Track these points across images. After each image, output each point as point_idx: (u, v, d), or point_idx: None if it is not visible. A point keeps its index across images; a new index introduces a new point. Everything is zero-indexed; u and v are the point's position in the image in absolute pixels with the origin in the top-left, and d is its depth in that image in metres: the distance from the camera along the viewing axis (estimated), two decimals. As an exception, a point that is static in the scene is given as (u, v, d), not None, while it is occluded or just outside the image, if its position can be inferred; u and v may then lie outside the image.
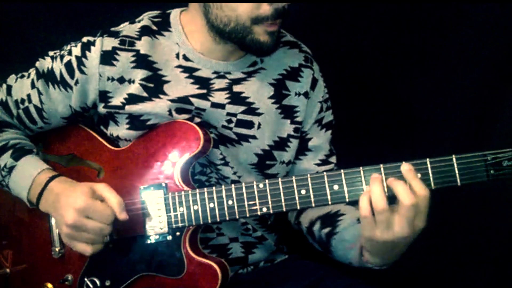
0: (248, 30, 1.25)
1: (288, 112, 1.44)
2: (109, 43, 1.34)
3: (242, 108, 1.39)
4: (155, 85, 1.35)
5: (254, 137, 1.41)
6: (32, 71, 1.42)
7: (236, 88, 1.39)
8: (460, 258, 1.87)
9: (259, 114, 1.41)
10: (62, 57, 1.36)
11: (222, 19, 1.27)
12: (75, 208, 1.23)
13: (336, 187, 1.19)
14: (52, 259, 1.39)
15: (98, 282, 1.33)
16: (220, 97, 1.37)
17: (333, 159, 1.51)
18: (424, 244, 1.88)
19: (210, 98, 1.36)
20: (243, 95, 1.39)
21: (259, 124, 1.41)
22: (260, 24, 1.24)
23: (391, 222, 1.10)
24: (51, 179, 1.32)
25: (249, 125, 1.40)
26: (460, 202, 1.85)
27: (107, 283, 1.33)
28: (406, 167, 1.13)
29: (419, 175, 1.14)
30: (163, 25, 1.39)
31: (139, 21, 1.39)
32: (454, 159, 1.13)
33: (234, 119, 1.39)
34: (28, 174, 1.33)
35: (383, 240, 1.12)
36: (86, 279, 1.34)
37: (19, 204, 1.43)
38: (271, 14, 1.23)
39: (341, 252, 1.32)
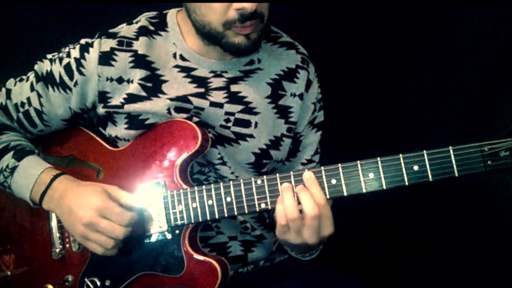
0: (221, 34, 1.27)
1: (283, 112, 1.44)
2: (107, 44, 1.35)
3: (240, 107, 1.40)
4: (153, 84, 1.35)
5: (251, 136, 1.41)
6: (31, 74, 1.43)
7: (234, 88, 1.39)
8: (460, 258, 1.86)
9: (256, 113, 1.41)
10: (61, 59, 1.37)
11: (199, 22, 1.29)
12: (93, 208, 1.24)
13: (334, 181, 1.19)
14: (52, 260, 1.39)
15: (98, 282, 1.33)
16: (218, 96, 1.38)
17: (317, 157, 1.53)
18: (424, 244, 1.90)
19: (209, 98, 1.37)
20: (240, 94, 1.40)
21: (256, 123, 1.41)
22: (232, 28, 1.25)
23: (301, 230, 1.19)
24: (55, 177, 1.33)
25: (246, 124, 1.41)
26: (461, 200, 1.85)
27: (107, 283, 1.33)
28: (307, 176, 1.19)
29: (416, 167, 1.15)
30: (160, 25, 1.40)
31: (136, 22, 1.40)
32: (451, 151, 1.14)
33: (232, 118, 1.39)
34: (31, 173, 1.34)
35: (296, 243, 1.22)
36: (86, 280, 1.34)
37: (19, 207, 1.44)
38: (238, 18, 1.23)
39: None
